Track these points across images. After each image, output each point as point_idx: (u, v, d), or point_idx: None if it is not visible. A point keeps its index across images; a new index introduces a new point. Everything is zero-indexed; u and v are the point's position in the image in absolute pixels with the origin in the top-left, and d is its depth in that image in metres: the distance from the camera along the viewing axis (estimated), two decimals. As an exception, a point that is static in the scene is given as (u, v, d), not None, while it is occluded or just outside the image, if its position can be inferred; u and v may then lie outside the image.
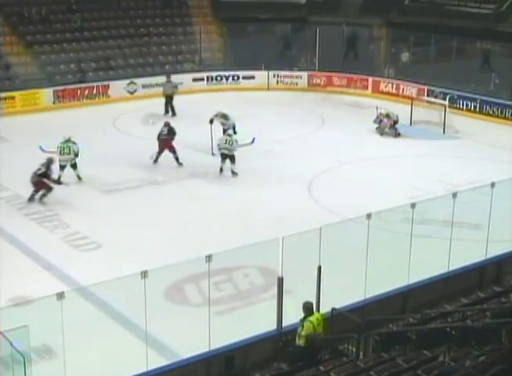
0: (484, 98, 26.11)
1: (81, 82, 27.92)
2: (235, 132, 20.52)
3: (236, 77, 30.19)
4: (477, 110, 26.17)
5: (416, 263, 12.49)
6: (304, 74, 30.42)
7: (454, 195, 12.96)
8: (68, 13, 30.24)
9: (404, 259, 12.48)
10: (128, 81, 28.50)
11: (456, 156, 21.77)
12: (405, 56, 30.73)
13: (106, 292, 11.45)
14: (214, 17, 32.67)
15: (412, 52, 30.52)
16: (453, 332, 10.24)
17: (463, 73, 28.13)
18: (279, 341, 11.26)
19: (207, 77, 29.94)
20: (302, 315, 10.36)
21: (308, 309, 10.35)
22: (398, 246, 13.06)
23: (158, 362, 10.67)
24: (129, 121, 25.48)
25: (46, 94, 26.95)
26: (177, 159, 20.51)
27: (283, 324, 11.31)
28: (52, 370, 10.69)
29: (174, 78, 27.50)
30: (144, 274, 9.89)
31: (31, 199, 17.79)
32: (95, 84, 27.95)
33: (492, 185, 13.31)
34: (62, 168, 18.93)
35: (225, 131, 21.19)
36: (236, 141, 19.73)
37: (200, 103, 26.49)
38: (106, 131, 23.99)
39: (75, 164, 19.14)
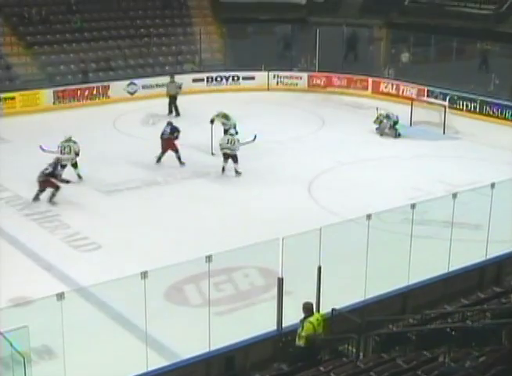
0: (484, 98, 26.12)
1: (84, 83, 27.94)
2: (236, 133, 20.53)
3: (236, 78, 30.19)
4: (477, 110, 26.18)
5: (416, 264, 12.50)
6: (304, 75, 30.42)
7: (454, 196, 12.96)
8: (68, 14, 30.25)
9: (404, 260, 12.48)
10: (128, 82, 28.51)
11: (455, 156, 21.77)
12: (405, 57, 30.74)
13: (106, 293, 11.45)
14: (214, 18, 32.68)
15: (412, 52, 30.53)
16: (453, 333, 10.23)
17: (463, 73, 28.15)
18: (279, 341, 11.26)
19: (207, 78, 29.94)
20: (302, 315, 10.37)
21: (308, 309, 10.36)
22: (398, 246, 13.06)
23: (158, 362, 10.68)
24: (129, 122, 25.48)
25: (46, 94, 26.96)
26: (179, 158, 20.55)
27: (283, 325, 11.31)
28: (52, 371, 10.70)
29: (174, 79, 27.50)
30: (144, 275, 9.90)
31: (36, 198, 17.82)
32: (95, 84, 27.96)
33: (492, 185, 13.31)
34: (62, 167, 18.94)
35: (225, 131, 21.19)
36: (238, 140, 19.75)
37: (200, 103, 26.49)
38: (106, 132, 24.00)
39: (76, 163, 19.19)
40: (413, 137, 23.70)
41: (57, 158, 18.18)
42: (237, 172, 19.81)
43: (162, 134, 20.64)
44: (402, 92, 28.33)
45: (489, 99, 26.03)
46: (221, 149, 19.87)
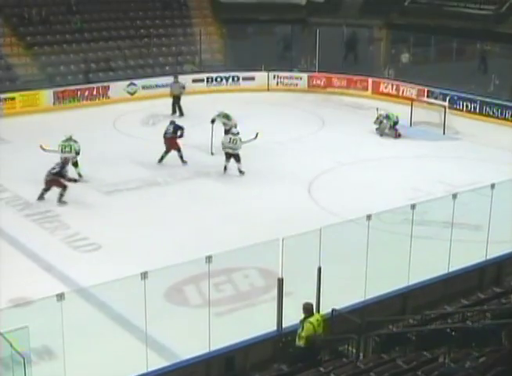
0: (484, 99, 26.12)
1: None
2: (237, 133, 20.54)
3: (236, 79, 30.20)
4: (477, 111, 26.18)
5: (416, 264, 12.50)
6: (304, 75, 30.43)
7: (454, 196, 12.97)
8: (68, 14, 30.25)
9: (404, 260, 12.48)
10: (128, 82, 28.52)
11: (455, 157, 21.78)
12: (405, 57, 30.75)
13: (106, 293, 11.45)
14: (214, 18, 32.68)
15: (412, 53, 30.54)
16: (453, 333, 10.23)
17: (462, 74, 28.17)
18: (279, 342, 11.26)
19: (207, 79, 29.95)
20: (302, 316, 10.36)
21: (308, 309, 10.35)
22: (398, 247, 13.06)
23: (158, 363, 10.68)
24: (129, 122, 25.49)
25: (46, 95, 26.97)
26: (181, 157, 20.60)
27: (283, 325, 11.32)
28: (52, 371, 10.71)
29: (171, 80, 27.54)
30: (144, 275, 9.90)
31: (41, 197, 17.84)
32: (95, 85, 27.97)
33: (492, 186, 13.31)
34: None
35: (226, 131, 21.24)
36: (240, 140, 19.78)
37: (200, 103, 26.49)
38: (106, 132, 24.00)
39: (76, 162, 19.23)
40: (413, 137, 23.71)
41: (65, 158, 18.24)
42: (240, 172, 19.85)
43: (165, 133, 20.68)
44: (402, 92, 28.33)
45: (489, 100, 26.03)
46: (223, 148, 19.91)
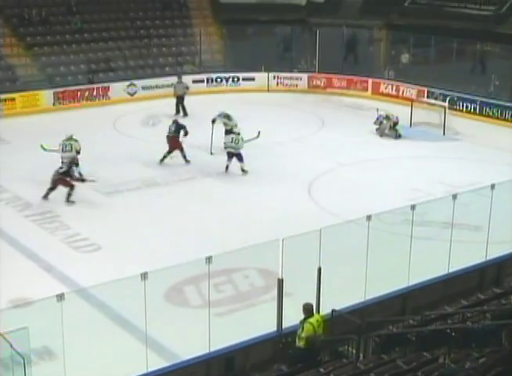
0: (484, 99, 26.13)
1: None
2: (238, 133, 20.58)
3: (235, 79, 30.20)
4: (477, 111, 26.19)
5: (416, 265, 12.50)
6: (304, 76, 30.43)
7: (454, 197, 12.97)
8: (68, 15, 30.25)
9: (404, 261, 12.49)
10: (128, 83, 28.52)
11: (455, 157, 21.78)
12: (405, 58, 30.74)
13: (106, 294, 11.45)
14: (214, 19, 32.68)
15: (412, 53, 30.52)
16: (453, 334, 10.23)
17: (462, 74, 28.18)
18: (279, 342, 11.26)
19: (207, 79, 29.95)
20: (302, 316, 10.36)
21: (308, 310, 10.35)
22: (398, 247, 13.07)
23: (158, 363, 10.68)
24: (129, 123, 25.50)
25: (46, 95, 26.97)
26: (184, 157, 20.64)
27: (283, 326, 11.32)
28: (52, 372, 10.72)
29: (174, 80, 27.53)
30: (144, 276, 9.90)
31: (46, 196, 17.84)
32: (95, 85, 27.97)
33: (492, 186, 13.31)
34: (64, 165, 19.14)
35: (226, 131, 21.29)
36: (242, 139, 19.83)
37: (200, 104, 26.48)
38: (106, 133, 24.00)
39: (77, 161, 19.22)
40: (413, 138, 23.71)
41: (72, 158, 18.22)
42: (243, 171, 19.91)
43: (168, 133, 20.69)
44: (402, 93, 28.34)
45: (489, 100, 26.03)
46: (226, 148, 19.96)
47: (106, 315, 12.32)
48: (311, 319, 10.25)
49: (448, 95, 26.05)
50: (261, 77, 30.07)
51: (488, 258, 13.69)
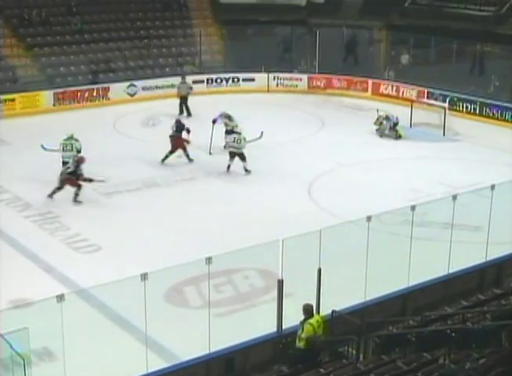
0: (484, 100, 26.13)
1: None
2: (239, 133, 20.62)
3: (236, 80, 30.20)
4: (477, 112, 26.18)
5: (416, 265, 12.50)
6: (304, 77, 30.43)
7: (454, 197, 12.97)
8: (68, 16, 30.23)
9: (404, 261, 12.49)
10: (128, 84, 28.52)
11: (455, 158, 21.78)
12: (405, 59, 30.74)
13: (106, 294, 11.45)
14: (215, 19, 32.68)
15: (412, 54, 30.53)
16: (453, 334, 10.24)
17: (462, 75, 28.19)
18: (279, 343, 11.26)
19: (207, 80, 29.94)
20: (302, 317, 10.36)
21: (308, 311, 10.35)
22: (398, 248, 13.06)
23: (158, 364, 10.69)
24: (129, 123, 25.50)
25: (46, 96, 26.96)
26: (187, 156, 20.66)
27: (283, 326, 11.32)
28: (52, 373, 10.72)
29: (174, 80, 27.56)
30: (144, 276, 9.90)
31: (51, 195, 17.83)
32: (95, 86, 27.97)
33: (492, 187, 13.31)
34: (64, 164, 19.10)
35: (227, 131, 21.33)
36: (245, 139, 19.87)
37: (200, 105, 26.47)
38: (106, 134, 24.00)
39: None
40: (413, 138, 23.71)
41: (80, 157, 18.21)
42: (246, 170, 19.96)
43: (171, 133, 20.72)
44: (402, 93, 28.33)
45: (489, 101, 26.03)
46: (228, 147, 20.01)
47: (106, 315, 12.32)
48: (312, 320, 10.25)
49: (448, 96, 26.07)
50: (261, 77, 30.08)
51: (488, 258, 13.69)
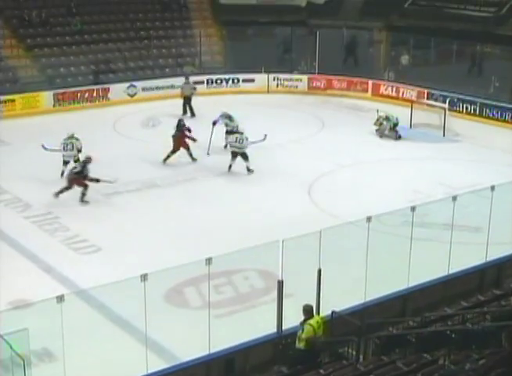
0: (484, 101, 26.13)
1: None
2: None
3: (236, 80, 30.21)
4: (477, 113, 26.19)
5: (416, 266, 12.50)
6: (304, 77, 30.44)
7: (454, 198, 12.97)
8: (68, 16, 30.25)
9: (404, 262, 12.48)
10: (128, 84, 28.52)
11: (455, 159, 21.78)
12: (404, 59, 30.74)
13: (106, 295, 11.45)
14: (214, 20, 32.69)
15: (412, 55, 30.54)
16: (453, 335, 10.24)
17: (462, 76, 28.20)
18: (279, 344, 11.26)
19: (207, 80, 29.93)
20: (302, 318, 10.36)
21: (308, 312, 10.35)
22: (398, 249, 13.06)
23: (158, 365, 10.68)
24: (129, 124, 25.50)
25: (46, 97, 26.96)
26: (191, 155, 20.71)
27: (283, 327, 11.31)
28: (52, 373, 10.72)
29: (174, 81, 27.55)
30: (144, 277, 9.90)
31: (58, 194, 17.81)
32: (95, 87, 27.98)
33: (492, 188, 13.31)
34: (65, 163, 19.31)
35: (228, 131, 21.39)
36: (247, 139, 19.88)
37: (200, 105, 26.46)
38: (106, 134, 24.00)
39: (78, 159, 19.30)
40: (413, 139, 23.71)
41: (87, 157, 18.22)
42: (249, 170, 20.00)
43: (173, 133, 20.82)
44: (402, 94, 28.33)
45: (489, 102, 26.03)
46: (230, 147, 20.04)
47: (106, 316, 12.32)
48: (312, 321, 10.25)
49: (448, 97, 26.08)
50: (261, 78, 30.08)
51: (488, 259, 13.69)
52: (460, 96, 26.45)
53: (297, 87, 30.34)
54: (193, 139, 20.91)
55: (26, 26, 29.18)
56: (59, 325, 9.41)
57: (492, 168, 20.18)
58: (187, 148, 20.76)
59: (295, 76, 30.54)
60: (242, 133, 20.11)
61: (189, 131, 20.89)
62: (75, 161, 19.23)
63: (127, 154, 21.71)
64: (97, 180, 18.06)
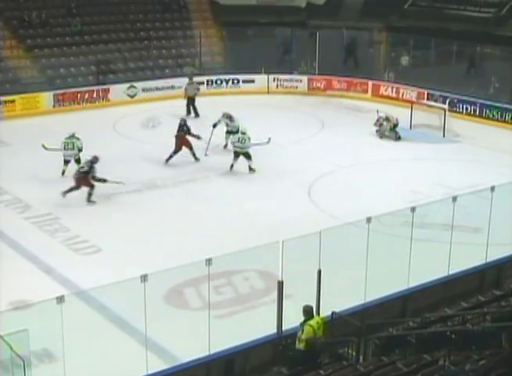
0: (483, 102, 26.13)
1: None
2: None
3: (235, 81, 30.21)
4: (477, 113, 26.19)
5: (416, 267, 12.50)
6: (304, 78, 30.44)
7: (454, 199, 12.97)
8: (68, 17, 30.26)
9: (404, 263, 12.48)
10: (128, 85, 28.52)
11: (455, 159, 21.78)
12: (404, 60, 30.76)
13: (106, 296, 11.45)
14: (214, 21, 32.70)
15: (412, 55, 30.55)
16: (453, 336, 10.24)
17: (462, 76, 28.19)
18: (279, 344, 11.25)
19: (207, 81, 29.93)
20: (302, 318, 10.35)
21: (308, 312, 10.35)
22: (398, 249, 13.06)
23: (158, 366, 10.68)
24: (129, 125, 25.50)
25: (46, 97, 26.97)
26: (194, 154, 20.72)
27: (283, 328, 11.31)
28: (52, 374, 10.72)
29: (174, 82, 27.54)
30: (144, 278, 9.90)
31: (65, 193, 17.81)
32: (95, 87, 27.99)
33: (492, 188, 13.31)
34: (66, 162, 19.39)
35: (228, 131, 21.45)
36: (249, 139, 19.92)
37: (200, 106, 26.46)
38: (106, 135, 23.99)
39: (79, 159, 19.36)
40: (413, 140, 23.72)
41: (94, 157, 18.21)
42: (251, 169, 20.06)
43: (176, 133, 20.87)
44: (402, 95, 28.34)
45: (489, 103, 26.04)
46: (233, 147, 20.16)
47: (106, 317, 12.31)
48: (312, 322, 10.25)
49: (448, 97, 26.08)
50: (260, 79, 30.09)
51: (488, 260, 13.69)
52: (460, 97, 26.46)
53: (297, 88, 30.35)
54: (198, 137, 20.90)
55: (26, 26, 29.19)
56: (59, 326, 9.41)
57: (491, 169, 20.17)
58: (190, 147, 20.77)
59: (295, 77, 30.54)
60: (245, 133, 20.14)
61: (189, 132, 20.83)
62: (76, 160, 19.28)
63: (127, 155, 21.70)
64: (104, 180, 18.06)
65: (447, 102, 25.60)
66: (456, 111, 25.98)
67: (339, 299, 12.14)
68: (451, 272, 13.19)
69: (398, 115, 24.19)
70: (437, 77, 27.45)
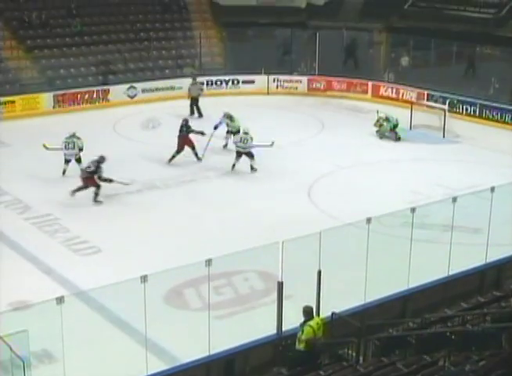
0: (483, 102, 26.13)
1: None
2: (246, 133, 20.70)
3: (235, 82, 30.21)
4: (477, 114, 26.19)
5: (416, 267, 12.50)
6: (304, 79, 30.44)
7: (454, 199, 12.97)
8: (68, 18, 30.26)
9: (404, 263, 12.48)
10: (127, 86, 28.52)
11: (455, 160, 21.78)
12: (404, 61, 30.76)
13: (106, 296, 11.45)
14: (214, 22, 32.71)
15: (412, 56, 30.55)
16: (453, 336, 10.24)
17: (462, 77, 28.18)
18: (279, 345, 11.25)
19: (207, 82, 29.90)
20: (302, 319, 10.35)
21: (308, 313, 10.35)
22: (398, 250, 13.06)
23: (158, 366, 10.68)
24: (129, 126, 25.49)
25: (46, 98, 26.97)
26: (196, 154, 20.75)
27: (283, 329, 11.31)
28: (52, 375, 10.70)
29: (174, 82, 27.53)
30: (144, 278, 9.90)
31: (74, 192, 17.85)
32: (95, 88, 27.99)
33: (492, 189, 13.31)
34: (67, 162, 19.43)
35: (228, 132, 21.49)
36: (252, 139, 19.93)
37: (203, 106, 26.47)
38: (106, 136, 23.98)
39: (80, 158, 19.40)
40: (413, 140, 23.72)
41: (100, 157, 18.20)
42: (253, 168, 20.11)
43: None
44: (402, 95, 28.34)
45: (489, 103, 26.04)
46: (235, 147, 20.23)
47: (106, 318, 12.31)
48: (311, 322, 10.24)
49: (448, 98, 26.08)
50: (260, 79, 30.09)
51: (488, 260, 13.69)
52: (460, 98, 26.46)
53: (296, 88, 30.35)
54: (201, 133, 20.89)
55: (26, 27, 29.19)
56: (59, 326, 9.41)
57: (491, 170, 20.17)
58: (192, 147, 20.77)
59: (295, 77, 30.54)
60: (247, 133, 20.16)
61: (189, 133, 20.82)
62: (76, 160, 19.29)
63: (127, 155, 21.68)
64: (110, 180, 18.07)
65: (447, 102, 25.60)
66: (455, 112, 25.98)
67: (339, 300, 12.13)
68: (451, 273, 13.19)
69: (398, 116, 24.19)
70: (437, 78, 27.45)
